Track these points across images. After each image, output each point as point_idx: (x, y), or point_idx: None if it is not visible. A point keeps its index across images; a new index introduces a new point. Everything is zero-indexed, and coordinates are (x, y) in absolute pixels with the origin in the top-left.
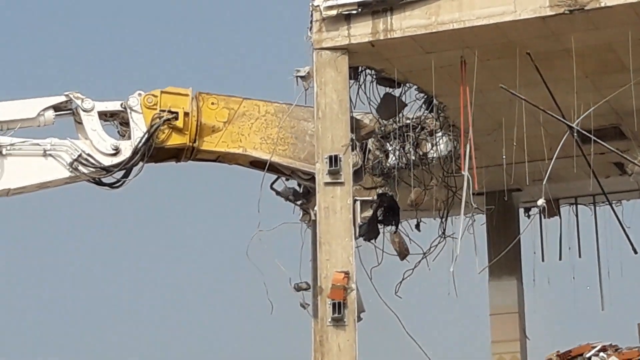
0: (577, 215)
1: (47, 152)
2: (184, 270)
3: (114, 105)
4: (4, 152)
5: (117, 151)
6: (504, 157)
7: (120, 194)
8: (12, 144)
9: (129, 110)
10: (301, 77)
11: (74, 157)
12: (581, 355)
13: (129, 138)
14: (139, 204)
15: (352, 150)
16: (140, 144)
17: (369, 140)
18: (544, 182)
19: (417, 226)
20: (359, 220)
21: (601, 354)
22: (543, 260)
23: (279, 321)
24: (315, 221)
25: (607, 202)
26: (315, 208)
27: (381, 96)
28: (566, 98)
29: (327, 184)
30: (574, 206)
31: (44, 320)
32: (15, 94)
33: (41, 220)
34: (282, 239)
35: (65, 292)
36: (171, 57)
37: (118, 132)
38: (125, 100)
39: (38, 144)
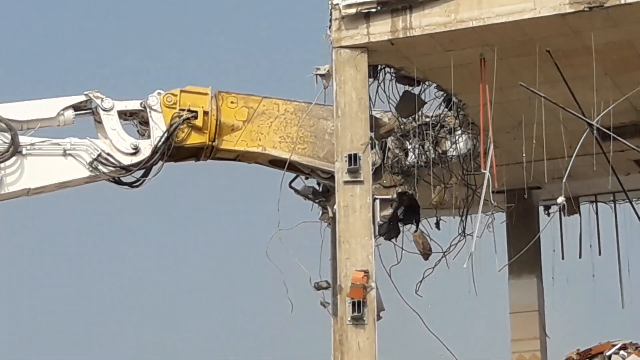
0: (597, 213)
1: (67, 152)
2: (204, 270)
3: (133, 105)
4: (23, 152)
5: (136, 150)
6: (523, 155)
7: (139, 193)
8: (31, 144)
9: (148, 110)
10: (320, 75)
11: (94, 157)
12: (601, 353)
13: (149, 137)
14: (158, 204)
15: (372, 148)
16: (160, 143)
17: (388, 138)
18: (564, 180)
19: (437, 225)
20: (378, 219)
21: (621, 352)
22: (563, 258)
23: (299, 320)
24: (334, 220)
25: (627, 200)
26: (335, 207)
27: (400, 94)
28: (586, 95)
29: (346, 182)
30: (594, 204)
31: (61, 319)
32: (35, 93)
33: (59, 219)
34: (302, 238)
35: (83, 290)
36: (191, 56)
37: (137, 131)
38: (145, 100)
39: (58, 144)
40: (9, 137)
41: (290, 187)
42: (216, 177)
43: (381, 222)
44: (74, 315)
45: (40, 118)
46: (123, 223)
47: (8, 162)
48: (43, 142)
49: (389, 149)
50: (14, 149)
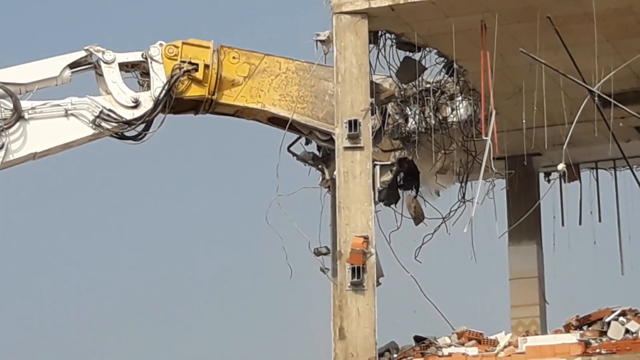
0: (597, 180)
1: (69, 112)
2: (202, 235)
3: (134, 56)
4: (25, 116)
5: (137, 104)
6: (524, 121)
7: (136, 151)
8: (32, 108)
9: (149, 60)
10: (321, 41)
11: (96, 114)
12: (600, 319)
13: (148, 88)
14: (157, 164)
15: (372, 114)
16: (162, 95)
17: (389, 104)
18: (564, 147)
19: (437, 191)
20: (378, 185)
21: (621, 318)
22: (563, 224)
23: (298, 286)
24: (334, 186)
25: (627, 167)
26: (335, 172)
27: (401, 60)
28: (586, 62)
29: (346, 148)
30: (594, 170)
31: (64, 276)
32: (26, 55)
33: (61, 177)
34: (302, 204)
35: (81, 248)
36: (193, 11)
37: (138, 81)
38: (147, 50)
39: (59, 105)
40: (10, 103)
41: (290, 151)
42: (216, 142)
43: (381, 188)
44: (76, 271)
45: (43, 79)
46: (119, 181)
47: (12, 129)
48: (44, 104)
49: (389, 115)
50: (17, 115)
